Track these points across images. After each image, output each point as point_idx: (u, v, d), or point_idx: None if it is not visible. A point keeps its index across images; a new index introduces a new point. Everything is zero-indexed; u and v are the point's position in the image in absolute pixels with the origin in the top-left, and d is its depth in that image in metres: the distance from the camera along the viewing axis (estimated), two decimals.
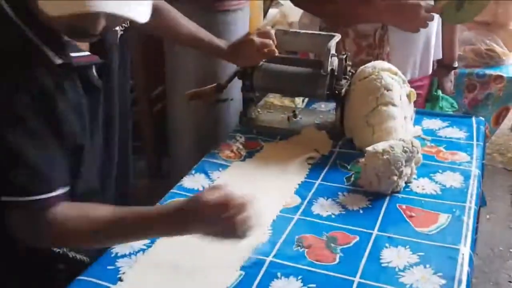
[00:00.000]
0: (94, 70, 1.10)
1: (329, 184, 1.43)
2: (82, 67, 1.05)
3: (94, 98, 1.11)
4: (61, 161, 1.03)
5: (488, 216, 2.85)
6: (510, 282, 2.51)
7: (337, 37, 1.66)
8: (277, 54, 1.57)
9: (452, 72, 2.28)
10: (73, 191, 1.08)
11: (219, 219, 0.96)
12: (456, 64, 2.26)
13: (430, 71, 2.12)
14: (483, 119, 1.79)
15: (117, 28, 1.16)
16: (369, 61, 1.70)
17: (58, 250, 1.18)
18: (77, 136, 1.06)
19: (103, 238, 1.06)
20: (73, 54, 1.02)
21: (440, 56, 2.15)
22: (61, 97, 1.00)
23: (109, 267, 1.13)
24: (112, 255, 1.17)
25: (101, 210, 1.04)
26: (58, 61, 1.00)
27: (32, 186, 0.99)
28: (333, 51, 1.59)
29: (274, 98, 1.94)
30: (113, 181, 1.29)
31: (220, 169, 1.51)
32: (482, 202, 1.52)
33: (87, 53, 1.06)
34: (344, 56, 1.59)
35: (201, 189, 1.41)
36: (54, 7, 0.87)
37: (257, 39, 1.55)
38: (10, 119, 0.96)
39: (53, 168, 1.01)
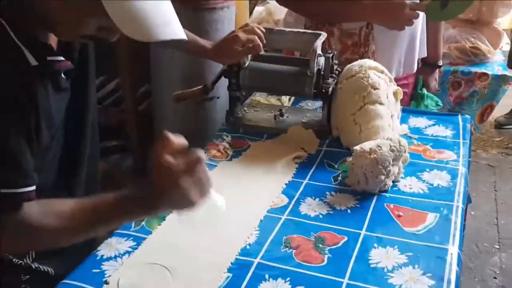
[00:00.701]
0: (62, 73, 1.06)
1: (316, 183, 1.42)
2: (54, 71, 1.02)
3: (61, 99, 1.07)
4: (30, 159, 0.98)
5: (473, 213, 2.86)
6: (495, 278, 2.52)
7: (323, 36, 1.64)
8: (262, 50, 1.55)
9: (437, 70, 2.28)
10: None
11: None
12: (441, 63, 2.25)
13: (415, 69, 2.12)
14: (468, 117, 1.79)
15: None
16: (355, 59, 1.69)
17: (20, 261, 1.15)
18: (43, 139, 1.01)
19: (72, 230, 0.98)
20: (50, 58, 0.99)
21: (425, 55, 2.15)
22: (31, 98, 0.96)
23: (94, 270, 1.10)
24: (97, 258, 1.14)
25: (65, 203, 0.98)
26: (34, 62, 0.96)
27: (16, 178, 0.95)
28: (319, 51, 1.58)
29: (260, 97, 1.92)
30: (81, 182, 1.24)
31: (207, 169, 1.48)
32: (467, 199, 1.52)
33: (61, 58, 1.03)
34: (331, 55, 1.58)
35: None
36: (139, 34, 0.89)
37: (242, 35, 1.53)
38: None
39: (28, 163, 0.97)
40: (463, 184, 1.39)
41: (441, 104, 2.28)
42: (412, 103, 2.20)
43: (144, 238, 1.20)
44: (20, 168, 0.95)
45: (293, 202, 1.33)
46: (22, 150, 0.95)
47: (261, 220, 1.26)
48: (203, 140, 1.69)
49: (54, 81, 1.03)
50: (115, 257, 1.14)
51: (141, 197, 0.97)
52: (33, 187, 0.98)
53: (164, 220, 1.25)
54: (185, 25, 1.57)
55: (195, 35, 1.60)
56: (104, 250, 1.16)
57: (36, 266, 1.17)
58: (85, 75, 1.19)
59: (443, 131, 1.68)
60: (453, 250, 1.14)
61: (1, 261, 1.10)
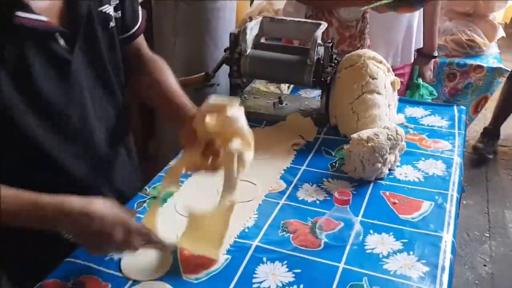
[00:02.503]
0: (61, 41, 1.01)
1: (314, 170, 1.41)
2: (40, 35, 0.96)
3: (63, 69, 1.03)
4: None
5: (464, 202, 2.86)
6: (485, 265, 2.52)
7: (323, 25, 1.63)
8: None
9: (432, 60, 2.27)
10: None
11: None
12: (436, 53, 2.25)
13: (412, 59, 2.11)
14: (464, 108, 1.78)
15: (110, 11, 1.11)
16: (351, 51, 1.67)
17: None
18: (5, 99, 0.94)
19: None
20: (21, 14, 0.92)
21: (421, 45, 2.14)
22: None
23: None
24: None
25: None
26: None
27: None
28: (319, 40, 1.56)
29: (260, 84, 1.90)
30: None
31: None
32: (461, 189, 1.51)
33: (43, 18, 0.95)
34: (330, 44, 1.56)
35: (188, 172, 1.37)
36: None
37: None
38: None
39: None
40: (458, 174, 1.38)
41: (435, 94, 2.27)
42: (407, 92, 2.19)
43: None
44: None
45: (291, 188, 1.32)
46: None
47: (259, 204, 1.26)
48: None
49: (43, 45, 0.97)
50: None
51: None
52: None
53: (166, 202, 1.24)
54: (186, 14, 1.56)
55: (197, 23, 1.55)
56: None
57: None
58: (97, 47, 1.11)
59: (439, 121, 1.67)
60: (447, 238, 1.14)
61: None
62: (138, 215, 1.16)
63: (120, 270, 1.04)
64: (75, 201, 0.94)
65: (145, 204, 1.24)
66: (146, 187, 1.31)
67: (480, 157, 3.31)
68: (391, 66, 1.84)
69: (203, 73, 1.64)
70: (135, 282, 1.02)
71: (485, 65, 2.67)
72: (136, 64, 1.29)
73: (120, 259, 1.06)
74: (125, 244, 0.98)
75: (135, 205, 1.24)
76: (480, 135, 3.39)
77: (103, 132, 1.18)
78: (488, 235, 2.75)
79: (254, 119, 1.65)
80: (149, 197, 1.27)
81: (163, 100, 1.23)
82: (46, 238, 0.99)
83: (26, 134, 1.01)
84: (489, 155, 3.33)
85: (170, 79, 1.27)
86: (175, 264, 1.06)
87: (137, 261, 1.06)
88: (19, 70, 0.95)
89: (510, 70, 2.64)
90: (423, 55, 2.20)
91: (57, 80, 1.02)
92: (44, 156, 1.05)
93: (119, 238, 0.95)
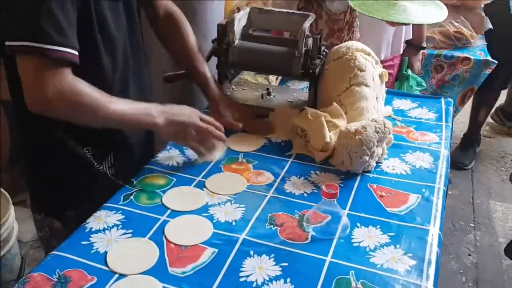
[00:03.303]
0: None
1: (301, 162, 1.40)
2: None
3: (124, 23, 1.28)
4: (74, 25, 1.11)
5: (450, 192, 2.87)
6: (469, 255, 2.54)
7: (312, 17, 1.60)
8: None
9: (421, 52, 2.26)
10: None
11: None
12: (425, 44, 2.24)
13: (401, 50, 2.10)
14: (451, 100, 1.78)
15: None
16: (338, 45, 1.65)
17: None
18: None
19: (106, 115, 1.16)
20: None
21: (410, 36, 2.13)
22: None
23: (83, 242, 1.08)
24: (86, 230, 1.12)
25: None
26: None
27: (52, 34, 1.06)
28: (307, 32, 1.54)
29: (248, 76, 1.88)
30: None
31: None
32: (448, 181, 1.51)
33: None
34: (319, 36, 1.54)
35: (175, 165, 1.36)
36: None
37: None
38: None
39: (73, 31, 1.11)
40: (445, 167, 1.38)
41: (424, 85, 2.27)
42: (396, 83, 2.18)
43: (132, 212, 1.17)
44: (60, 26, 1.07)
45: (278, 180, 1.31)
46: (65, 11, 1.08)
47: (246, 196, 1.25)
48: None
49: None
50: (104, 229, 1.12)
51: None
52: (73, 50, 1.10)
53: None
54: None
55: (185, 14, 1.56)
56: (92, 223, 1.14)
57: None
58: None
59: (426, 114, 1.66)
60: (434, 231, 1.13)
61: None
62: (125, 207, 1.15)
63: (106, 264, 1.02)
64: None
65: (131, 197, 1.22)
66: (132, 180, 1.29)
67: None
68: (383, 59, 1.84)
69: None
70: (121, 275, 1.00)
71: (472, 57, 2.66)
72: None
73: (106, 252, 1.05)
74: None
75: (121, 197, 1.22)
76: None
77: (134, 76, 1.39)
78: (473, 225, 2.77)
79: None
80: (135, 189, 1.25)
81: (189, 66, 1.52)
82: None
83: (104, 74, 1.25)
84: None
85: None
86: (161, 258, 1.04)
87: (123, 255, 1.05)
88: (100, 20, 1.19)
89: (497, 62, 2.63)
90: (412, 46, 2.19)
91: (123, 31, 1.28)
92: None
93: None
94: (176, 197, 1.23)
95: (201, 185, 1.28)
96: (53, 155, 1.28)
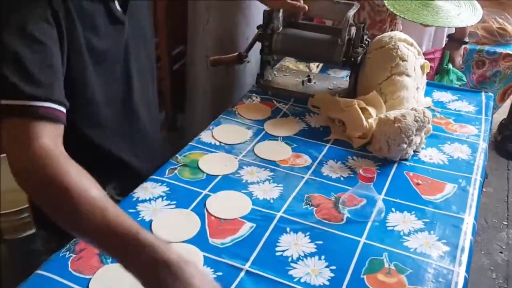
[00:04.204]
0: (117, 4, 1.06)
1: (339, 148, 1.41)
2: None
3: (118, 31, 1.07)
4: (61, 79, 0.91)
5: (484, 189, 2.82)
6: (501, 252, 2.50)
7: (356, 6, 1.61)
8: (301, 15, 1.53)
9: (463, 46, 2.23)
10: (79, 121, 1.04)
11: None
12: (467, 39, 2.20)
13: (443, 44, 2.08)
14: (492, 94, 1.75)
15: None
16: None
17: None
18: (84, 56, 0.99)
19: (75, 225, 0.81)
20: None
21: (453, 30, 2.10)
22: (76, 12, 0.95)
23: (130, 210, 1.12)
24: (133, 199, 1.16)
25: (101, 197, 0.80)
26: None
27: (26, 88, 0.84)
28: (351, 21, 1.54)
29: (289, 63, 1.90)
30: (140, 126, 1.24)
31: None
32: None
33: None
34: (362, 25, 1.54)
35: (217, 144, 1.39)
36: None
37: None
38: (9, 20, 0.86)
39: (52, 78, 0.88)
40: (483, 158, 1.37)
41: (465, 80, 2.24)
42: (436, 77, 2.16)
43: (176, 185, 1.21)
44: (33, 78, 0.85)
45: (316, 163, 1.33)
46: (46, 64, 0.87)
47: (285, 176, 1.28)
48: (232, 100, 1.68)
49: (107, 9, 1.02)
50: (149, 200, 1.16)
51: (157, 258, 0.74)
52: (57, 106, 0.87)
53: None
54: None
55: (230, 1, 1.57)
56: (139, 193, 1.18)
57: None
58: (140, 10, 1.16)
59: (466, 107, 1.65)
60: (469, 220, 1.13)
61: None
62: (170, 180, 1.19)
63: (151, 231, 1.06)
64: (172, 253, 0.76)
65: (176, 171, 1.26)
66: (177, 155, 1.32)
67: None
68: (424, 51, 1.83)
69: (236, 53, 1.64)
70: None
71: None
72: None
73: (151, 221, 1.09)
74: None
75: (167, 171, 1.26)
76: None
77: (141, 95, 1.22)
78: (506, 223, 2.72)
79: (282, 95, 1.66)
80: (180, 164, 1.29)
81: None
82: None
83: (86, 83, 1.03)
84: None
85: None
86: (202, 229, 1.08)
87: (168, 224, 1.09)
88: (88, 26, 0.99)
89: None
90: (454, 40, 2.16)
91: (114, 37, 1.07)
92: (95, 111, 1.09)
93: None
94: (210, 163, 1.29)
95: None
96: None
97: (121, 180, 1.20)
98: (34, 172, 0.82)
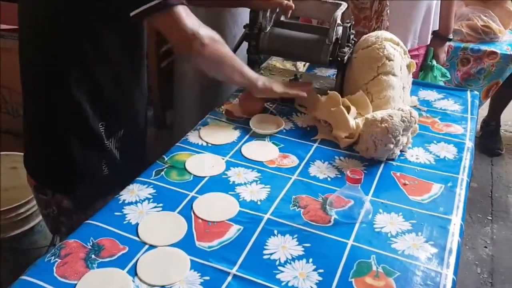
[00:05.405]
0: None
1: (326, 147, 1.39)
2: None
3: None
4: None
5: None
6: (485, 247, 2.51)
7: (344, 6, 1.59)
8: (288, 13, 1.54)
9: (447, 43, 2.22)
10: None
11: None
12: (451, 36, 2.20)
13: (428, 41, 2.07)
14: (477, 93, 1.75)
15: None
16: (365, 33, 1.64)
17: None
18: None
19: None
20: None
21: (437, 27, 2.10)
22: None
23: (116, 213, 1.10)
24: (120, 202, 1.14)
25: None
26: None
27: None
28: (338, 21, 1.52)
29: (276, 62, 1.88)
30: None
31: None
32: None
33: None
34: (349, 25, 1.52)
35: (204, 144, 1.37)
36: None
37: None
38: None
39: None
40: (469, 158, 1.36)
41: (449, 76, 2.23)
42: (420, 73, 2.15)
43: (163, 187, 1.19)
44: None
45: (303, 164, 1.31)
46: None
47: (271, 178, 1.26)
48: (220, 98, 1.66)
49: None
50: (136, 202, 1.14)
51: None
52: None
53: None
54: None
55: None
56: (126, 195, 1.16)
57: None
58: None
59: (451, 105, 1.64)
60: (456, 220, 1.12)
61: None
62: (156, 182, 1.17)
63: (137, 235, 1.04)
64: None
65: (162, 173, 1.24)
66: (164, 156, 1.30)
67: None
68: (410, 48, 1.81)
69: None
70: (151, 246, 1.02)
71: (499, 51, 2.61)
72: None
73: (137, 224, 1.07)
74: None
75: (153, 172, 1.24)
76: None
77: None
78: (490, 218, 2.73)
79: None
80: (166, 165, 1.26)
81: None
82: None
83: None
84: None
85: None
86: (189, 232, 1.06)
87: (154, 227, 1.07)
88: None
89: None
90: (439, 37, 2.15)
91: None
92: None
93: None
94: (197, 164, 1.28)
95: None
96: (68, 127, 1.24)
97: (124, 134, 1.32)
98: (194, 38, 1.18)
